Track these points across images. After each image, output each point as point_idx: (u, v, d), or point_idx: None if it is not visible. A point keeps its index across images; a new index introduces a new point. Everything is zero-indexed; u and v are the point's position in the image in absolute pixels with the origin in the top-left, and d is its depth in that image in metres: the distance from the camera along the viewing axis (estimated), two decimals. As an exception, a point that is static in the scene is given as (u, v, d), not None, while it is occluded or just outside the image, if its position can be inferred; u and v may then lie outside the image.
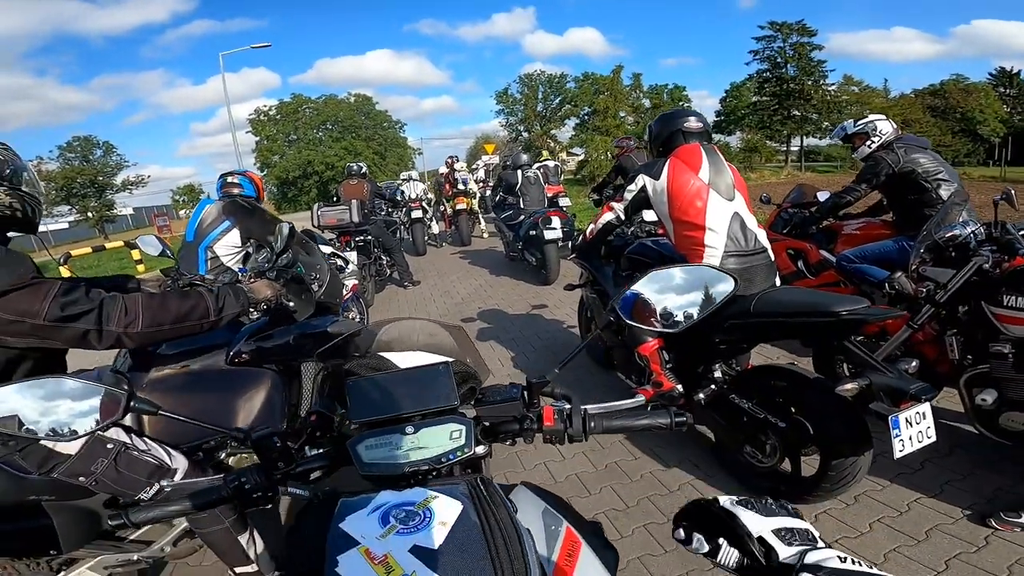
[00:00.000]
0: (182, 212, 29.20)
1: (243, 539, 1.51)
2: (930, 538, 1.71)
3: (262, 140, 35.06)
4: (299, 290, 1.90)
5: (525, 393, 0.84)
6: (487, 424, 0.82)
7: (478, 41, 69.64)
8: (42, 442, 1.18)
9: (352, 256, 4.93)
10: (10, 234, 1.30)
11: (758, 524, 0.58)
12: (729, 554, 0.58)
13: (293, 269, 1.94)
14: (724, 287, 0.85)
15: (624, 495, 2.13)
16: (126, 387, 0.74)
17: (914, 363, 1.69)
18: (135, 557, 1.53)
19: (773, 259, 2.27)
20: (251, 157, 34.48)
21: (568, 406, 0.81)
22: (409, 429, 0.74)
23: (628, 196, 2.35)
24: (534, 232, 5.58)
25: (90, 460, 1.27)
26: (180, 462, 1.43)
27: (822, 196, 3.66)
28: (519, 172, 6.40)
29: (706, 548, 0.59)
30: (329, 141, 34.41)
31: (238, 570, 1.54)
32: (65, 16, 63.91)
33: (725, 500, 0.61)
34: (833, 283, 3.13)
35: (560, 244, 5.57)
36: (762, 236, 2.24)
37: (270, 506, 0.78)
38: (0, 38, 63.52)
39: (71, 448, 1.25)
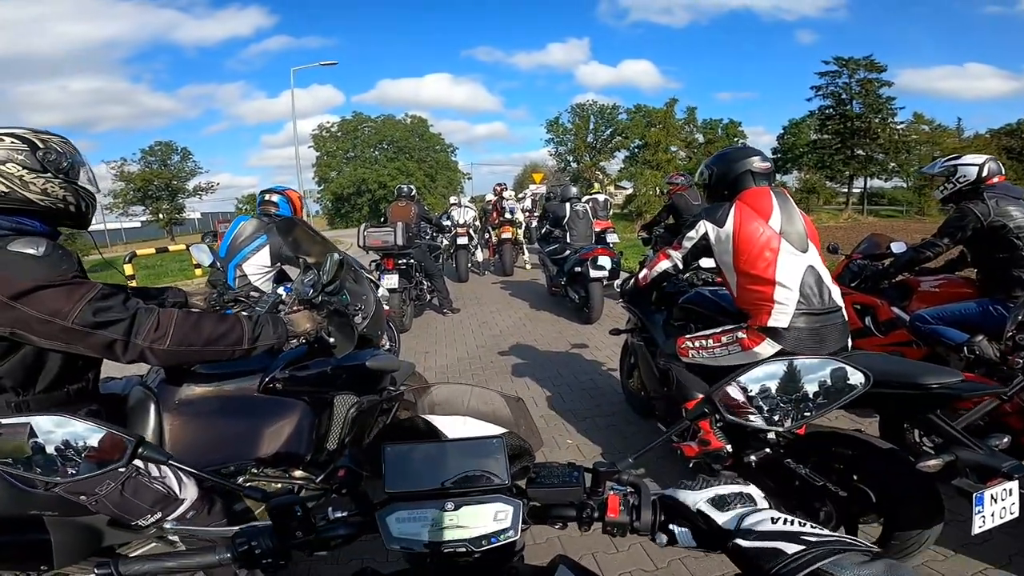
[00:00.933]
0: (242, 220, 30.82)
1: None
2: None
3: (322, 155, 36.67)
4: (341, 324, 1.83)
5: (587, 477, 0.74)
6: (536, 505, 0.73)
7: (532, 69, 71.34)
8: None
9: (387, 280, 4.94)
10: (60, 229, 1.30)
11: (692, 498, 0.64)
12: (682, 534, 0.64)
13: (338, 299, 1.88)
14: (853, 382, 0.73)
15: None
16: (133, 436, 0.70)
17: (1006, 439, 1.59)
18: None
19: (847, 318, 2.07)
20: (310, 171, 36.33)
21: (637, 498, 0.71)
22: (449, 505, 0.66)
23: (687, 244, 2.19)
24: (579, 269, 5.42)
25: (96, 481, 1.22)
26: (189, 492, 1.38)
27: (897, 248, 3.37)
28: (568, 205, 6.22)
29: (665, 540, 0.65)
30: (384, 160, 35.68)
31: None
32: (163, 24, 69.28)
33: (667, 490, 0.68)
34: (904, 343, 2.87)
35: (605, 283, 5.40)
36: (836, 293, 2.05)
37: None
38: (105, 43, 70.42)
39: None
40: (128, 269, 8.24)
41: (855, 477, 1.75)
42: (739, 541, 0.58)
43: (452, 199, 10.53)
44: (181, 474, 1.37)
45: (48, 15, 63.48)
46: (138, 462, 1.28)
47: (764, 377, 0.73)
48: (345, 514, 0.74)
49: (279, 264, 3.14)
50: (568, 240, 6.09)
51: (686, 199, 5.31)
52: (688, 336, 2.25)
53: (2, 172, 1.15)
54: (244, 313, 1.72)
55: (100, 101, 64.66)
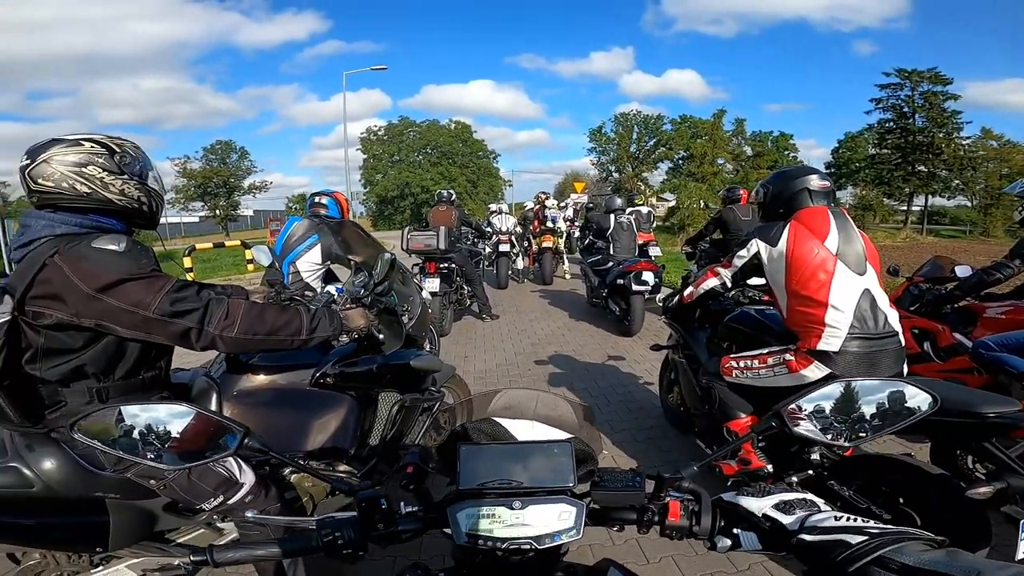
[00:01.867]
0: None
1: (286, 562, 1.48)
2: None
3: (369, 158, 37.81)
4: (390, 321, 1.91)
5: (649, 483, 0.77)
6: (596, 507, 0.76)
7: (574, 78, 71.57)
8: None
9: (429, 284, 5.04)
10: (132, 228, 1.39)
11: (757, 504, 0.67)
12: (748, 538, 0.66)
13: (387, 299, 1.96)
14: (917, 403, 0.73)
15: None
16: (241, 427, 0.74)
17: None
18: (176, 562, 1.54)
19: (903, 343, 1.98)
20: (357, 173, 37.49)
21: (696, 504, 0.73)
22: (516, 504, 0.69)
23: (738, 263, 2.15)
24: (622, 281, 5.36)
25: None
26: (248, 476, 1.44)
27: (962, 271, 3.19)
28: (612, 216, 6.18)
29: (728, 543, 0.67)
30: (427, 165, 36.43)
31: None
32: (226, 27, 73.49)
33: (727, 496, 0.70)
34: (964, 370, 2.71)
35: (647, 296, 5.34)
36: (893, 317, 1.97)
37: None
38: (176, 43, 75.28)
39: None
40: (187, 262, 8.73)
41: (901, 500, 1.70)
42: (804, 536, 0.60)
43: (492, 206, 10.60)
44: (240, 460, 1.45)
45: (129, 13, 68.10)
46: None
47: (830, 394, 0.75)
48: (417, 508, 0.77)
49: (328, 262, 3.31)
50: (611, 252, 6.04)
51: (735, 214, 5.17)
52: (733, 356, 2.21)
53: (84, 174, 1.23)
54: (303, 305, 1.82)
55: (168, 100, 68.92)
